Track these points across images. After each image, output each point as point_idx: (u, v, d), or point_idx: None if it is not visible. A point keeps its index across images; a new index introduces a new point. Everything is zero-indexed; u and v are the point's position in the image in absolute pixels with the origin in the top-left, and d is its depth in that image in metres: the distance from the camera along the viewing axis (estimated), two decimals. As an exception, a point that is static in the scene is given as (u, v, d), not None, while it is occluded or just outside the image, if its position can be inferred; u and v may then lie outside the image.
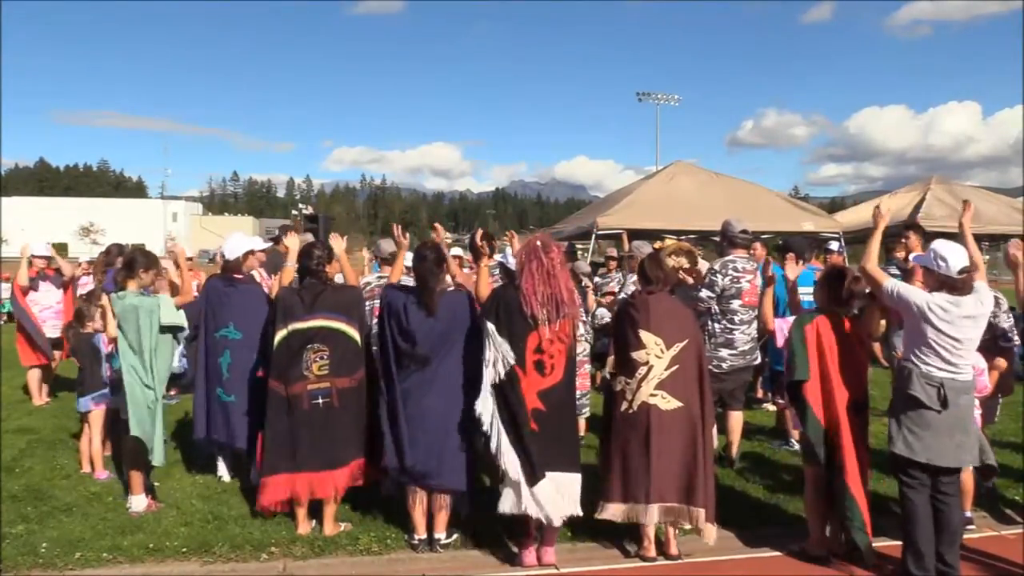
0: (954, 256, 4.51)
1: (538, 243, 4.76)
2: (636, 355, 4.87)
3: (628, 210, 13.05)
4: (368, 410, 5.27)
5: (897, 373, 4.67)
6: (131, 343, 5.43)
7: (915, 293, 4.54)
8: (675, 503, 4.79)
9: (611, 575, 4.78)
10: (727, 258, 6.80)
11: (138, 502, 5.53)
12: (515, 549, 4.86)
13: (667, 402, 4.83)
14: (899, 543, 4.71)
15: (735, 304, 6.63)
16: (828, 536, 4.97)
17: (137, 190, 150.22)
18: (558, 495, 4.65)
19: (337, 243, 5.77)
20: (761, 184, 15.33)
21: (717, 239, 7.56)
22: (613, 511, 4.86)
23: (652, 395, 4.83)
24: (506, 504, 4.66)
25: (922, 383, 4.46)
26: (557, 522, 4.66)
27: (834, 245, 9.55)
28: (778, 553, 5.02)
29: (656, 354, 4.86)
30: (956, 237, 5.24)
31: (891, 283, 4.64)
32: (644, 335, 4.88)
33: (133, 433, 5.39)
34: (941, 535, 4.52)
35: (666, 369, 4.85)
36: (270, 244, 8.27)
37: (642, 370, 4.85)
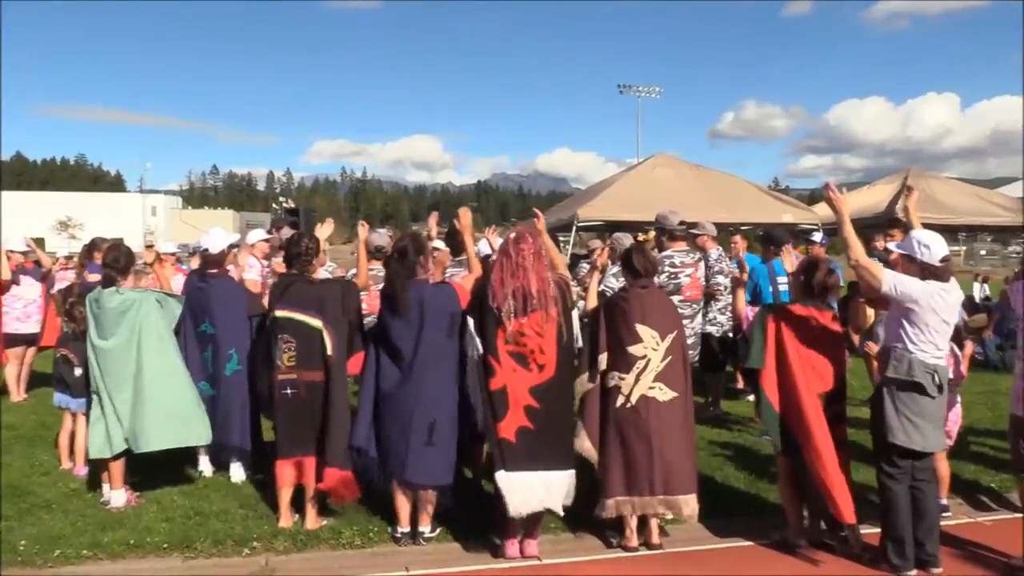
0: (936, 244, 4.61)
1: (511, 236, 4.77)
2: (633, 349, 4.86)
3: (609, 202, 13.05)
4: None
5: (887, 362, 4.64)
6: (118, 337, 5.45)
7: (914, 282, 4.56)
8: (677, 494, 4.83)
9: (594, 566, 4.80)
10: (664, 254, 6.66)
11: (118, 497, 5.50)
12: (498, 541, 4.86)
13: (664, 393, 4.86)
14: (876, 531, 4.78)
15: (676, 300, 6.45)
16: (807, 525, 5.02)
17: (116, 184, 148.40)
18: (545, 493, 4.66)
19: (323, 231, 5.80)
20: (741, 176, 15.39)
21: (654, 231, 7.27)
22: (616, 506, 4.85)
23: (651, 387, 4.85)
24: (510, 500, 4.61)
25: (922, 370, 4.50)
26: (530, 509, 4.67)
27: (817, 236, 9.60)
28: (759, 542, 5.06)
29: (652, 347, 4.87)
30: (927, 229, 5.28)
31: (890, 275, 4.62)
32: (640, 328, 4.87)
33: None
34: (920, 523, 4.59)
35: (662, 360, 4.87)
36: (270, 235, 8.19)
37: (640, 363, 4.85)
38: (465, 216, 5.55)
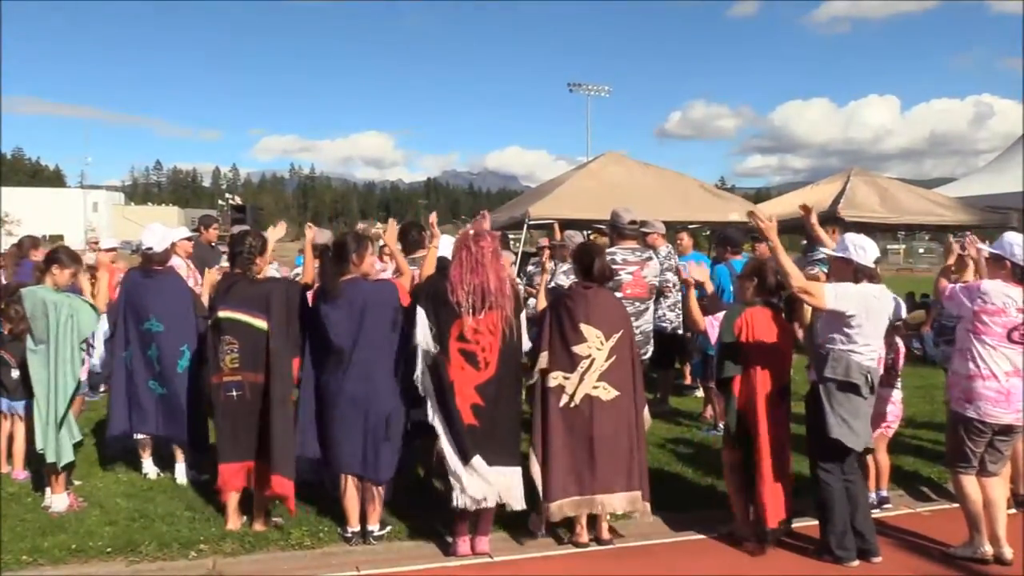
0: (870, 246, 4.81)
1: (470, 232, 4.77)
2: (577, 349, 4.88)
3: (559, 200, 13.09)
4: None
5: (824, 362, 4.74)
6: (38, 339, 5.32)
7: (854, 288, 4.70)
8: (624, 491, 4.87)
9: (545, 563, 4.83)
10: (608, 251, 6.70)
11: (59, 501, 5.36)
12: (449, 539, 4.87)
13: (607, 392, 4.89)
14: (815, 522, 4.89)
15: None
16: (753, 518, 5.11)
17: (55, 179, 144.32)
18: (500, 488, 4.68)
19: (275, 233, 5.75)
20: (689, 175, 15.54)
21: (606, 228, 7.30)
22: (562, 508, 4.84)
23: (595, 387, 4.88)
24: (459, 499, 4.64)
25: (859, 371, 4.63)
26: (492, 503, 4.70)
27: (764, 235, 9.73)
28: (707, 536, 5.14)
29: (597, 347, 4.90)
30: (868, 228, 5.44)
31: (830, 288, 4.71)
32: (585, 328, 4.89)
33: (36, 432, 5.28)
34: (855, 512, 4.73)
35: (606, 360, 4.90)
36: (195, 234, 8.17)
37: (584, 363, 4.88)
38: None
